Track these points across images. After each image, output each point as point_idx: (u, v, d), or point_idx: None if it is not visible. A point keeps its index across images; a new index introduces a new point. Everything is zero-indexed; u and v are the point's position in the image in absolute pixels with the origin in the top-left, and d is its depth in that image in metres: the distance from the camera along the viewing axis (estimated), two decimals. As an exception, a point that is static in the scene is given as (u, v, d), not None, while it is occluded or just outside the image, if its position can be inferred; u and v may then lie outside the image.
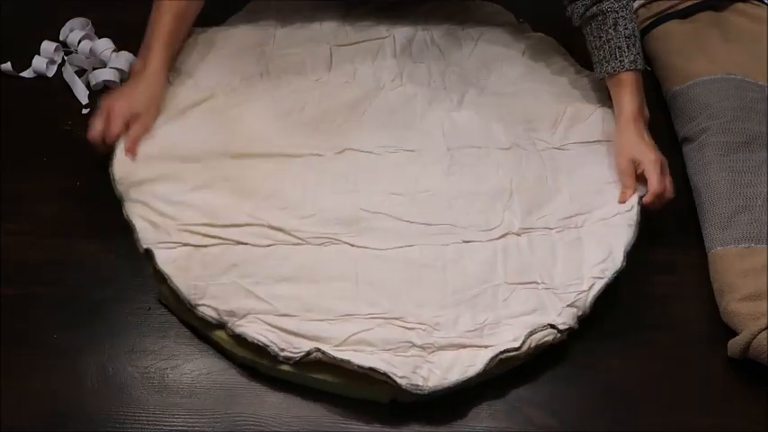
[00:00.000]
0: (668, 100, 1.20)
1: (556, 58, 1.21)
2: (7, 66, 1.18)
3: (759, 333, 0.92)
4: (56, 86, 1.18)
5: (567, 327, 0.92)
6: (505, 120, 1.10)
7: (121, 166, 0.99)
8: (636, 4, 1.28)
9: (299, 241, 0.96)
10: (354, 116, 1.08)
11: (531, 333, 0.91)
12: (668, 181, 1.02)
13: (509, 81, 1.17)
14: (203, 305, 0.91)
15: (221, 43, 1.16)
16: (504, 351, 0.89)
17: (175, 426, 0.88)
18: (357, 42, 1.18)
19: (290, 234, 0.96)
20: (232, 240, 0.95)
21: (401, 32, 1.19)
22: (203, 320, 0.91)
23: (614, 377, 0.94)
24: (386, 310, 0.91)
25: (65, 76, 1.18)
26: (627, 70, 1.07)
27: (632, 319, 0.99)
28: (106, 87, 1.17)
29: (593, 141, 1.10)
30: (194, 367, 0.92)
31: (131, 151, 1.01)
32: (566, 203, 1.03)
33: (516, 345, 0.90)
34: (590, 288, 0.95)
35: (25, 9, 1.26)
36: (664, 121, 1.19)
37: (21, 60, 1.18)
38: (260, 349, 0.88)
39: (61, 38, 1.22)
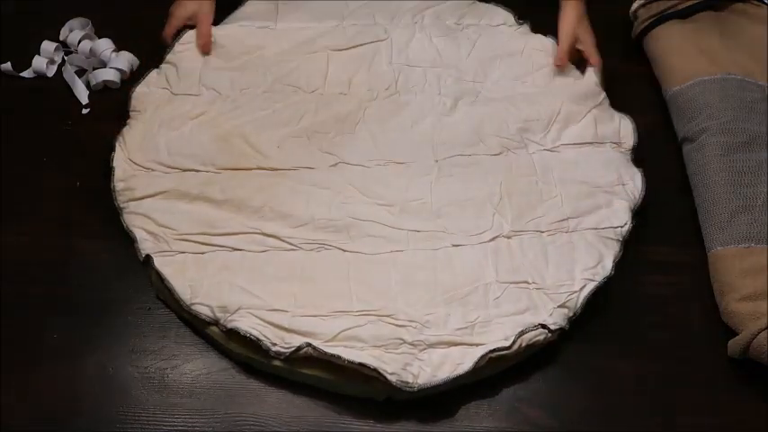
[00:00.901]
0: (668, 100, 1.20)
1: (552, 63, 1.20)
2: (7, 66, 1.18)
3: (759, 333, 0.92)
4: (56, 86, 1.18)
5: (557, 327, 0.93)
6: (498, 123, 1.10)
7: (123, 182, 1.02)
8: (636, 5, 1.27)
9: (293, 247, 0.98)
10: (347, 128, 1.09)
11: (522, 333, 0.91)
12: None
13: (505, 83, 1.16)
14: (198, 303, 0.92)
15: (221, 46, 1.16)
16: (495, 350, 0.90)
17: (175, 426, 0.88)
18: (354, 47, 1.18)
19: (283, 240, 0.99)
20: (228, 247, 0.98)
21: (399, 34, 1.19)
22: (198, 318, 0.92)
23: (614, 377, 0.95)
24: (377, 307, 0.93)
25: (65, 76, 1.18)
26: None
27: (632, 319, 0.99)
28: (106, 87, 1.17)
29: (585, 143, 1.10)
30: (194, 367, 0.93)
31: (205, 47, 1.16)
32: (557, 207, 1.03)
33: (507, 344, 0.90)
34: (581, 289, 0.96)
35: (25, 9, 1.26)
36: (664, 121, 1.19)
37: (21, 60, 1.18)
38: (253, 344, 0.90)
39: (61, 38, 1.21)
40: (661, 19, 1.24)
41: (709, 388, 0.95)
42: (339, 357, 0.87)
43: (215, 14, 1.19)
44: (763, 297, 0.96)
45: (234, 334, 0.90)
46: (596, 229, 1.02)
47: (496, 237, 1.00)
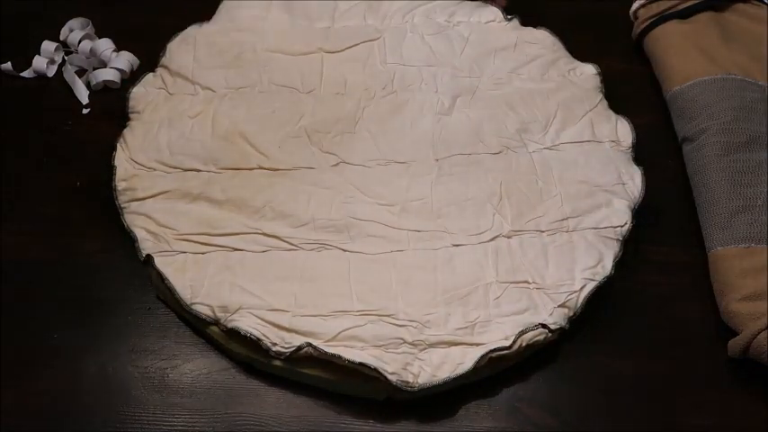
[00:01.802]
0: (668, 100, 1.20)
1: (547, 52, 1.20)
2: (7, 66, 1.18)
3: (759, 333, 0.92)
4: (56, 86, 1.18)
5: (558, 327, 0.93)
6: (496, 122, 1.11)
7: (124, 181, 1.02)
8: (636, 5, 1.28)
9: (293, 247, 0.98)
10: (347, 128, 1.09)
11: (523, 332, 0.91)
12: None
13: (501, 80, 1.17)
14: (198, 303, 0.92)
15: (212, 45, 1.16)
16: (495, 350, 0.90)
17: (175, 426, 0.88)
18: (347, 48, 1.18)
19: (284, 240, 0.99)
20: (228, 248, 0.98)
21: (391, 34, 1.20)
22: (198, 318, 0.92)
23: (614, 377, 0.95)
24: (378, 307, 0.93)
25: (65, 76, 1.18)
26: None
27: (632, 319, 0.99)
28: (106, 87, 1.17)
29: (585, 141, 1.10)
30: (194, 367, 0.93)
31: None
32: (557, 206, 1.03)
33: (507, 344, 0.90)
34: (581, 289, 0.96)
35: (25, 9, 1.26)
36: (664, 121, 1.19)
37: (21, 60, 1.18)
38: (254, 344, 0.90)
39: (61, 38, 1.21)
40: (661, 19, 1.25)
41: (709, 388, 0.95)
42: (339, 357, 0.87)
43: (202, 16, 1.19)
44: (763, 297, 0.96)
45: (234, 334, 0.90)
46: (596, 228, 1.02)
47: (496, 236, 1.00)
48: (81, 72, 1.19)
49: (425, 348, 0.91)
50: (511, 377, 0.93)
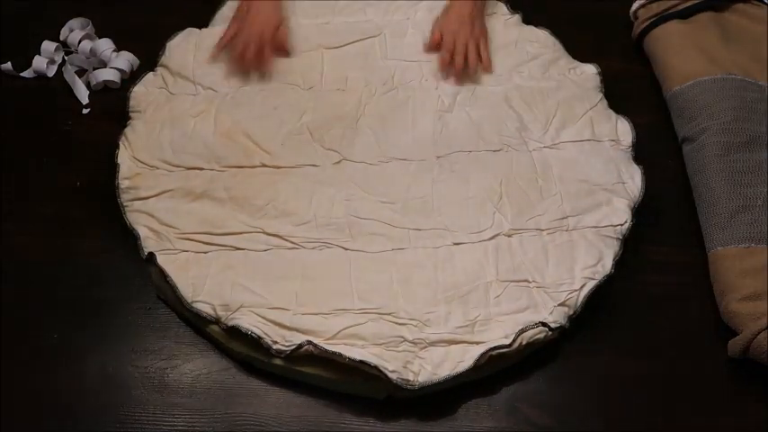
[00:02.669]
0: (668, 100, 1.20)
1: (548, 51, 1.20)
2: (7, 66, 1.18)
3: (759, 333, 0.92)
4: (56, 86, 1.18)
5: (558, 325, 0.93)
6: (497, 120, 1.11)
7: (127, 180, 1.02)
8: (636, 5, 1.28)
9: (294, 246, 0.98)
10: (349, 125, 1.09)
11: (522, 331, 0.92)
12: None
13: (501, 76, 1.17)
14: (199, 302, 0.92)
15: (212, 46, 1.16)
16: (495, 348, 0.90)
17: (175, 425, 0.88)
18: (347, 44, 1.18)
19: (285, 239, 0.99)
20: (230, 247, 0.98)
21: (392, 30, 1.20)
22: (199, 316, 0.92)
23: (614, 377, 0.95)
24: (378, 305, 0.93)
25: (65, 76, 1.18)
26: None
27: (632, 318, 0.99)
28: (106, 87, 1.17)
29: (585, 140, 1.10)
30: (194, 367, 0.93)
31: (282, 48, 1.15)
32: (557, 205, 1.03)
33: (507, 342, 0.90)
34: (581, 288, 0.96)
35: (25, 9, 1.26)
36: (664, 121, 1.19)
37: (21, 60, 1.18)
38: (254, 343, 0.90)
39: (61, 38, 1.21)
40: (661, 19, 1.25)
41: (709, 388, 0.95)
42: (340, 355, 0.87)
43: (202, 16, 1.19)
44: (763, 297, 0.96)
45: (235, 332, 0.90)
46: (596, 227, 1.02)
47: (497, 235, 1.00)
48: (81, 72, 1.19)
49: (426, 347, 0.91)
50: (511, 377, 0.93)
